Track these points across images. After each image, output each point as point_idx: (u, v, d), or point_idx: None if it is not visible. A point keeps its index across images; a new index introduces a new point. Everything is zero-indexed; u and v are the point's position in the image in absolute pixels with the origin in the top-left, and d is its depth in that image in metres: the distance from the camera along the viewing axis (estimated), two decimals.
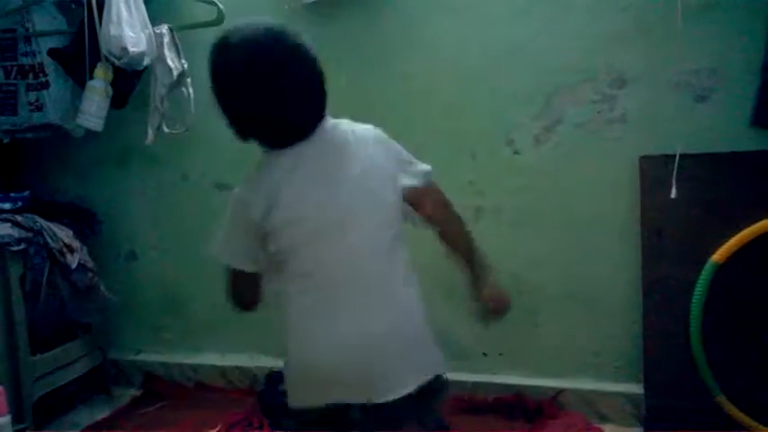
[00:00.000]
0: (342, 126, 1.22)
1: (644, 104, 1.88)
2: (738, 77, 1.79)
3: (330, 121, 1.22)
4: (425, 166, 1.25)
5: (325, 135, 1.19)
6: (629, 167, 1.90)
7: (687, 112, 1.84)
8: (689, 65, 1.82)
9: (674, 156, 1.79)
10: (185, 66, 2.14)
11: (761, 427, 1.73)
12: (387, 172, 1.19)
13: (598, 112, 1.92)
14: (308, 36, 2.05)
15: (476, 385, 2.09)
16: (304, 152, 1.16)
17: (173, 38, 2.13)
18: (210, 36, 2.09)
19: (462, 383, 2.09)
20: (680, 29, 1.78)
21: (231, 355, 2.44)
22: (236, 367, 2.40)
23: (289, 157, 1.17)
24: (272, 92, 1.12)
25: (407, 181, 1.20)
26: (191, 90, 2.16)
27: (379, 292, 1.14)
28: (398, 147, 1.24)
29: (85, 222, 2.39)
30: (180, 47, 2.14)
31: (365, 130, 1.24)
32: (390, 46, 2.09)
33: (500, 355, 2.11)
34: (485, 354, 2.13)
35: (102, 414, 2.26)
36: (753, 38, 1.76)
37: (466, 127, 2.05)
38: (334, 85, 2.24)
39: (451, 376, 2.07)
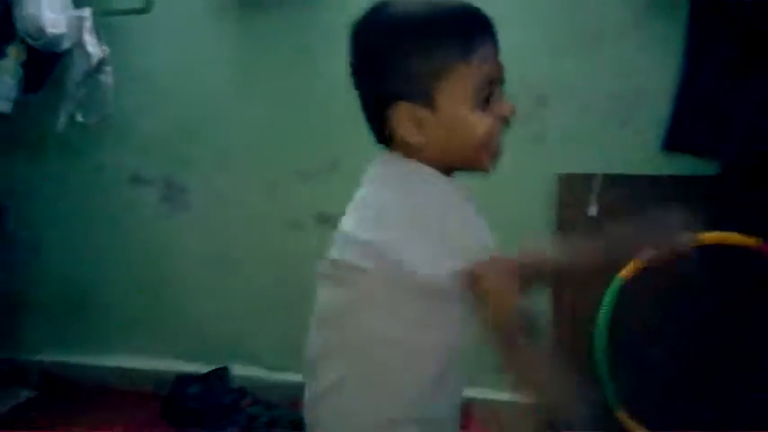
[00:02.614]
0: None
1: (563, 124, 1.94)
2: (658, 102, 1.87)
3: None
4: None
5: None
6: (546, 185, 1.95)
7: (606, 134, 1.91)
8: (610, 87, 1.90)
9: (591, 175, 1.86)
10: (106, 53, 2.06)
11: None
12: None
13: (518, 130, 1.97)
14: (237, 30, 2.09)
15: None
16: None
17: (94, 23, 2.05)
18: (136, 23, 2.10)
19: None
20: (600, 54, 1.86)
21: (136, 357, 2.35)
22: (141, 370, 2.31)
23: None
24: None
25: None
26: (110, 79, 2.08)
27: None
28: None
29: None
30: (101, 33, 2.06)
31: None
32: (323, 44, 2.06)
33: None
34: None
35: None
36: (669, 65, 1.84)
37: None
38: (259, 80, 2.24)
39: None
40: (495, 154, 0.89)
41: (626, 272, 1.81)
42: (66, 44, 1.98)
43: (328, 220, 2.14)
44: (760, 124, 1.79)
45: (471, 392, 2.01)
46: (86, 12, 2.02)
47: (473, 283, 0.80)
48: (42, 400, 2.27)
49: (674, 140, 1.87)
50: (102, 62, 2.05)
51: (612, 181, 1.88)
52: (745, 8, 1.70)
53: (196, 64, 2.17)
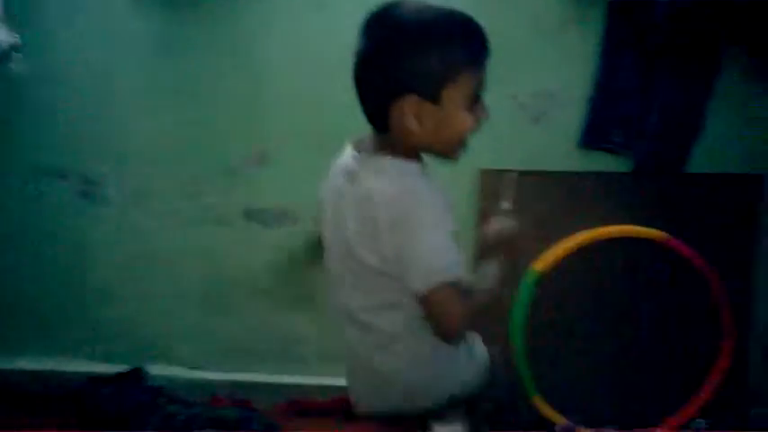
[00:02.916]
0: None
1: (486, 120, 1.97)
2: (571, 102, 1.94)
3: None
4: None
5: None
6: (470, 179, 1.98)
7: (524, 131, 1.97)
8: (527, 86, 1.95)
9: (512, 171, 1.90)
10: (17, 39, 1.97)
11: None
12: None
13: None
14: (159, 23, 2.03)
15: (312, 388, 2.10)
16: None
17: (4, 8, 1.96)
18: (51, 11, 2.02)
19: (300, 386, 2.10)
20: (523, 53, 1.91)
21: (50, 359, 2.24)
22: (55, 372, 2.21)
23: None
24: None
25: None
26: (21, 67, 1.99)
27: None
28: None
29: None
30: (11, 19, 1.98)
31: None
32: (248, 35, 2.03)
33: (339, 358, 2.11)
34: (324, 357, 2.13)
35: None
36: (586, 67, 1.92)
37: (324, 126, 2.04)
38: (182, 73, 2.19)
39: (288, 380, 2.11)
40: (465, 148, 1.05)
41: (541, 264, 1.87)
42: None
43: (255, 216, 2.12)
44: (669, 124, 1.88)
45: None
46: None
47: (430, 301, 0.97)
48: None
49: (590, 138, 1.94)
50: (12, 48, 1.97)
51: (530, 177, 1.93)
52: (655, 17, 1.78)
53: (118, 56, 2.10)
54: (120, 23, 2.08)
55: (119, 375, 2.08)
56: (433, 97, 0.97)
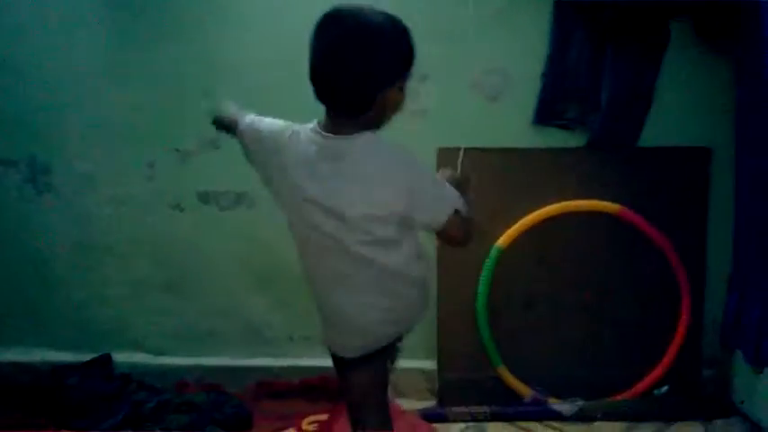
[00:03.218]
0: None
1: (443, 100, 1.99)
2: (525, 80, 1.97)
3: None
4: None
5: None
6: (428, 158, 2.00)
7: (480, 110, 1.99)
8: (482, 66, 1.97)
9: (469, 149, 1.94)
10: None
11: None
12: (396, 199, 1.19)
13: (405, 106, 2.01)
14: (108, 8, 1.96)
15: (282, 370, 2.11)
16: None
17: None
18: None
19: (268, 369, 2.11)
20: (476, 33, 1.93)
21: (11, 349, 2.20)
22: (17, 362, 2.18)
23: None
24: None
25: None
26: None
27: None
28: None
29: None
30: None
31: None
32: (196, 18, 2.00)
33: (306, 339, 2.13)
34: (291, 338, 2.14)
35: None
36: (538, 44, 1.94)
37: (276, 111, 2.03)
38: (132, 59, 2.13)
39: (258, 362, 2.12)
40: None
41: (503, 240, 1.91)
42: None
43: (210, 200, 2.10)
44: (621, 98, 1.93)
45: None
46: None
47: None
48: None
49: (543, 115, 1.98)
50: None
51: (487, 154, 1.96)
52: None
53: (64, 43, 2.03)
54: (70, 9, 2.01)
55: (85, 364, 2.06)
56: (401, 86, 1.19)
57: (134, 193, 2.11)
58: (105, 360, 2.08)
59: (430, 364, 2.05)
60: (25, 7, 2.01)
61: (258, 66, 2.00)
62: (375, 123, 1.19)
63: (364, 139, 1.17)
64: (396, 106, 1.20)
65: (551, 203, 1.93)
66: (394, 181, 1.16)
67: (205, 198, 2.10)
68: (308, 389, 2.08)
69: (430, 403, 2.04)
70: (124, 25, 2.01)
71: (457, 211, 1.23)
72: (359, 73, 1.12)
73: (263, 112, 1.98)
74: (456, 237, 1.26)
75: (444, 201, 1.21)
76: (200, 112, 1.97)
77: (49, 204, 2.13)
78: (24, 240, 2.16)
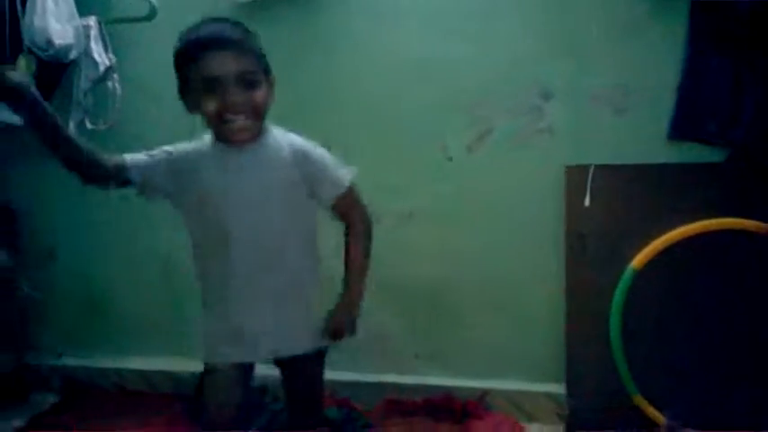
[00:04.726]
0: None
1: (569, 117, 1.96)
2: (652, 94, 1.89)
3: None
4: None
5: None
6: (554, 176, 1.97)
7: (609, 125, 1.93)
8: (608, 81, 1.91)
9: (598, 166, 1.89)
10: (113, 60, 2.08)
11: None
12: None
13: (526, 123, 1.99)
14: None
15: (406, 387, 2.13)
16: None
17: (100, 31, 2.07)
18: (142, 31, 2.11)
19: (394, 385, 2.13)
20: (602, 48, 1.88)
21: (156, 358, 2.38)
22: (161, 371, 2.35)
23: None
24: None
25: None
26: (117, 86, 2.09)
27: None
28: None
29: (3, 220, 2.28)
30: (108, 41, 2.08)
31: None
32: (323, 48, 2.09)
33: (430, 356, 2.15)
34: (417, 356, 2.17)
35: (17, 422, 2.15)
36: (665, 58, 1.87)
37: (399, 132, 2.08)
38: None
39: (383, 378, 2.15)
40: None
41: (637, 261, 1.84)
42: (73, 54, 2.01)
43: None
44: (764, 112, 1.81)
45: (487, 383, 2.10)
46: (92, 20, 2.04)
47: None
48: (66, 404, 2.30)
49: (681, 129, 1.89)
50: (109, 70, 2.07)
51: (619, 171, 1.90)
52: (738, 11, 1.72)
53: None
54: None
55: None
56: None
57: None
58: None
59: (558, 388, 2.01)
60: (169, 36, 2.16)
61: (379, 92, 2.07)
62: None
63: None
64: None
65: (689, 222, 1.83)
66: None
67: None
68: (431, 408, 2.09)
69: (557, 428, 1.99)
70: (268, 49, 2.11)
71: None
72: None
73: (382, 133, 2.09)
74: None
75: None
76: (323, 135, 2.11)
77: None
78: (173, 258, 2.30)
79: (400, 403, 2.09)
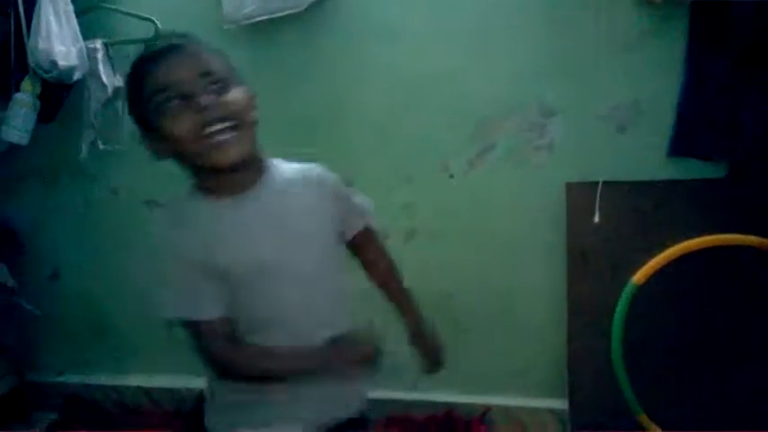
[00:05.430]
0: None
1: (570, 134, 1.97)
2: (655, 111, 1.91)
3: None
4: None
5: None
6: (556, 193, 1.98)
7: (610, 143, 1.94)
8: (610, 99, 1.93)
9: (598, 183, 1.90)
10: (121, 82, 2.10)
11: None
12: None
13: (527, 140, 2.01)
14: (248, 55, 2.11)
15: (408, 404, 2.13)
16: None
17: (107, 53, 2.10)
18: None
19: (396, 402, 2.12)
20: (602, 65, 1.90)
21: (157, 376, 2.38)
22: (163, 389, 2.35)
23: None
24: None
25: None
26: (126, 106, 2.11)
27: None
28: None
29: (6, 240, 2.30)
30: (115, 63, 2.11)
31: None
32: (323, 68, 2.10)
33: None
34: (419, 372, 2.16)
35: None
36: (666, 75, 1.88)
37: (401, 150, 2.10)
38: (269, 104, 2.26)
39: (386, 394, 2.15)
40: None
41: (639, 277, 1.84)
42: (77, 75, 2.03)
43: None
44: (766, 125, 1.82)
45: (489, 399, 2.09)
46: (98, 43, 2.07)
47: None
48: (66, 422, 2.30)
49: (680, 146, 1.90)
50: (117, 91, 2.10)
51: (620, 188, 1.91)
52: (739, 21, 1.74)
53: None
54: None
55: None
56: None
57: None
58: None
59: (560, 404, 2.01)
60: None
61: (381, 111, 2.09)
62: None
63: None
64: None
65: (690, 238, 1.84)
66: None
67: None
68: (433, 424, 2.09)
69: None
70: (267, 71, 2.13)
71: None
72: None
73: (385, 152, 2.11)
74: None
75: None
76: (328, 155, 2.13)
77: None
78: None
79: (402, 420, 2.09)
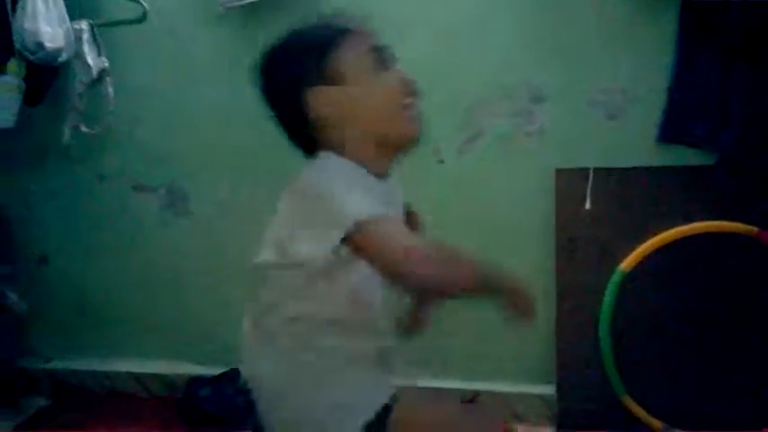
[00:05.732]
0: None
1: (560, 120, 1.97)
2: (645, 98, 1.91)
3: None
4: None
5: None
6: (545, 179, 1.98)
7: (599, 129, 1.94)
8: (601, 85, 1.93)
9: (588, 169, 1.90)
10: (106, 64, 2.08)
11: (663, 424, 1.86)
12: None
13: (517, 126, 2.00)
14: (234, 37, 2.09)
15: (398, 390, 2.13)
16: None
17: (93, 34, 2.07)
18: (134, 34, 2.11)
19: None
20: (593, 52, 1.90)
21: (147, 361, 2.38)
22: (153, 374, 2.34)
23: None
24: None
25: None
26: (111, 89, 2.10)
27: None
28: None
29: None
30: (101, 44, 2.09)
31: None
32: None
33: (420, 359, 2.15)
34: (406, 358, 2.17)
35: (5, 427, 2.15)
36: (656, 62, 1.88)
37: None
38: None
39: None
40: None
41: (626, 264, 1.85)
42: (63, 57, 2.00)
43: None
44: (755, 113, 1.83)
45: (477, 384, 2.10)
46: (84, 24, 2.04)
47: (361, 248, 0.91)
48: (56, 408, 2.30)
49: (670, 132, 1.90)
50: (102, 73, 2.07)
51: (609, 174, 1.91)
52: (729, 15, 1.73)
53: (194, 72, 2.18)
54: (198, 41, 2.16)
55: (216, 377, 2.18)
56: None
57: (263, 219, 2.21)
58: (234, 374, 2.20)
59: (548, 390, 2.02)
60: (161, 38, 2.17)
61: None
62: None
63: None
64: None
65: (679, 225, 1.84)
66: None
67: None
68: None
69: (548, 430, 2.00)
70: (254, 53, 2.11)
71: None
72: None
73: None
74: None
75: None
76: None
77: (186, 228, 2.29)
78: (163, 262, 2.32)
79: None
